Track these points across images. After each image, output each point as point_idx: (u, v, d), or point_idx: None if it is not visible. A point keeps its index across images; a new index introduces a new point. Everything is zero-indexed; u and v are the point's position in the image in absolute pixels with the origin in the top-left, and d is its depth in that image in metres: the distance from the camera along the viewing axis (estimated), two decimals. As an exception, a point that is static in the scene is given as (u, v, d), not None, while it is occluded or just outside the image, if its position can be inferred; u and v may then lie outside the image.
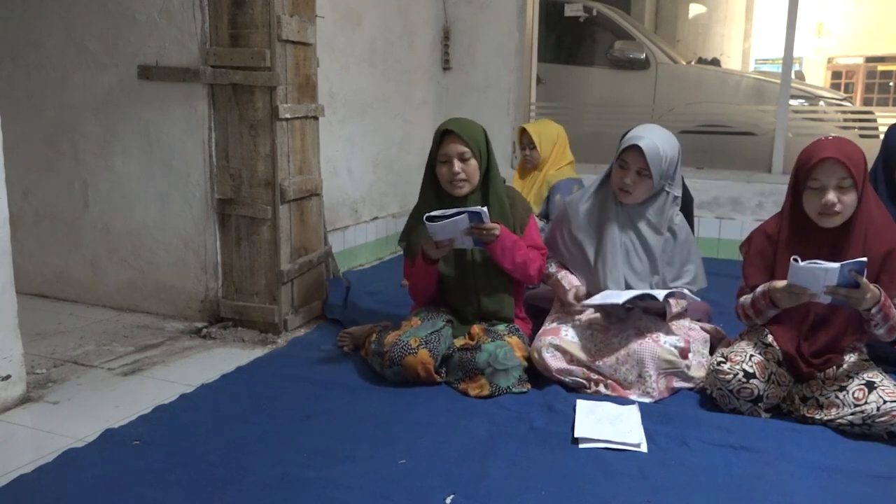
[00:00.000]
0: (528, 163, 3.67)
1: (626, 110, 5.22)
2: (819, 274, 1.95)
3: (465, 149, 2.46)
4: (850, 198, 2.05)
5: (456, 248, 2.42)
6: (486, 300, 2.56)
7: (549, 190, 3.56)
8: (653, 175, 2.43)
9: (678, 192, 2.57)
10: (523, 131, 3.67)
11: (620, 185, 2.49)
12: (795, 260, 1.96)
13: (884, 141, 2.64)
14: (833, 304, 2.06)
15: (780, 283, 2.07)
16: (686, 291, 2.43)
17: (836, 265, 1.92)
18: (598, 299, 2.42)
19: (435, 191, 2.57)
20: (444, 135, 2.47)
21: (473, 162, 2.48)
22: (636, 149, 2.42)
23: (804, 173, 2.10)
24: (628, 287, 2.49)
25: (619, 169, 2.50)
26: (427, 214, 2.31)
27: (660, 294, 2.32)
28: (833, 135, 2.20)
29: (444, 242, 2.37)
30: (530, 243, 2.55)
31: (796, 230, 2.06)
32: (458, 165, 2.46)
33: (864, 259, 1.93)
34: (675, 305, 2.47)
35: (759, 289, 2.17)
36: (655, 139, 2.45)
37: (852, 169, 2.02)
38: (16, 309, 2.30)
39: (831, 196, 2.04)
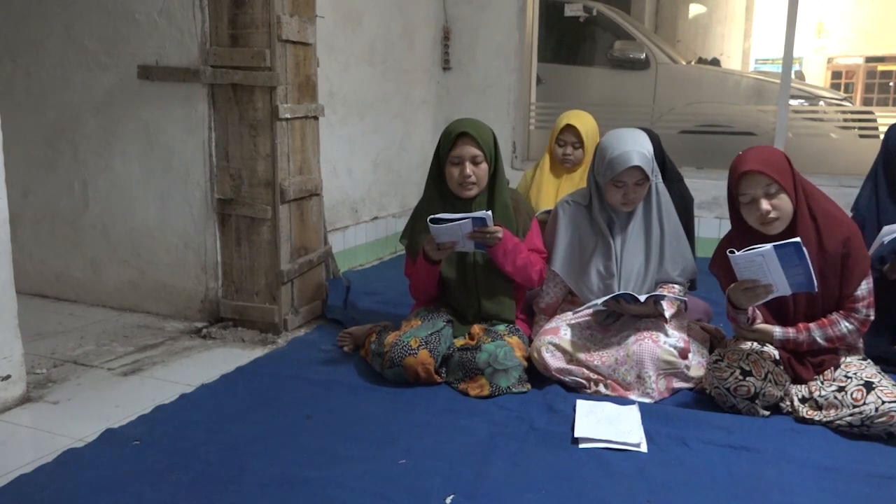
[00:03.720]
0: (568, 162, 3.25)
1: (626, 110, 5.22)
2: (758, 260, 1.96)
3: (479, 152, 2.45)
4: (783, 201, 2.10)
5: (457, 251, 2.42)
6: (487, 302, 2.56)
7: None
8: (649, 178, 2.43)
9: (659, 176, 2.54)
10: (567, 127, 3.22)
11: (623, 202, 2.45)
12: (731, 252, 1.98)
13: (884, 141, 2.63)
14: (812, 302, 2.05)
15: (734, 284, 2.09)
16: (667, 293, 2.42)
17: (769, 246, 1.93)
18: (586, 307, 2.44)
19: (440, 191, 2.56)
20: (458, 136, 2.45)
21: (484, 165, 2.47)
22: (632, 166, 2.36)
23: (734, 190, 2.16)
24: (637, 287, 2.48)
25: (615, 189, 2.43)
26: (430, 217, 2.31)
27: (641, 296, 2.31)
28: (756, 146, 2.24)
29: (445, 245, 2.37)
30: (531, 247, 2.54)
31: (748, 241, 2.08)
32: (469, 168, 2.45)
33: (797, 239, 1.94)
34: (670, 307, 2.45)
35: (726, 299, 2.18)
36: (639, 147, 2.38)
37: (773, 175, 2.07)
38: (16, 309, 2.30)
39: (764, 205, 2.09)
